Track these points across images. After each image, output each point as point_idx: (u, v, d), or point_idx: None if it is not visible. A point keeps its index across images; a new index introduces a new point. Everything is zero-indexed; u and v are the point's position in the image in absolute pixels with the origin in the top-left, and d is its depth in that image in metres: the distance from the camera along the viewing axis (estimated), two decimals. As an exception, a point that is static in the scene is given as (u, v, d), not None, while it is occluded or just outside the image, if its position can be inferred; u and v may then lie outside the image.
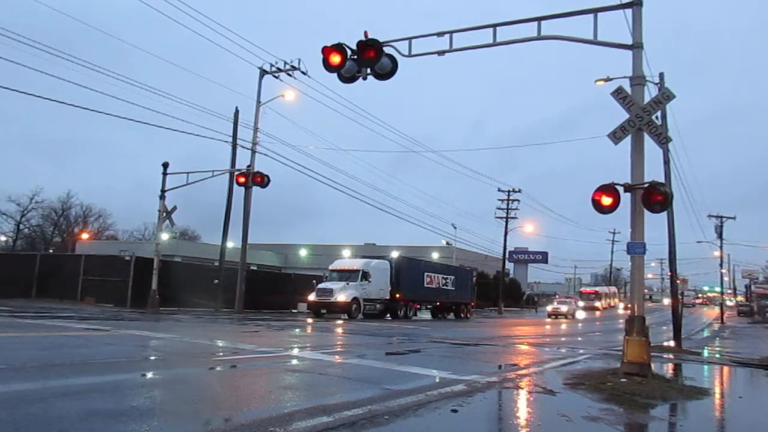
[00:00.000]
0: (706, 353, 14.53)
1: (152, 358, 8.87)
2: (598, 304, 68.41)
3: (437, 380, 7.62)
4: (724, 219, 50.58)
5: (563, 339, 20.21)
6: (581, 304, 67.81)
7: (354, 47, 10.03)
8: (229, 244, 28.83)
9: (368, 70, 10.25)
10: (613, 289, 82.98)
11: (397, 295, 29.89)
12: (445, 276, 34.94)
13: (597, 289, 77.71)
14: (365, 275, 28.37)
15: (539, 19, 9.50)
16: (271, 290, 32.03)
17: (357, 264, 29.81)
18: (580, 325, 35.91)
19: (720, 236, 51.52)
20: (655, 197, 8.52)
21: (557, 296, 62.22)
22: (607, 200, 8.88)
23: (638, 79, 9.13)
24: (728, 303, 70.71)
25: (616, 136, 8.85)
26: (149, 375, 7.22)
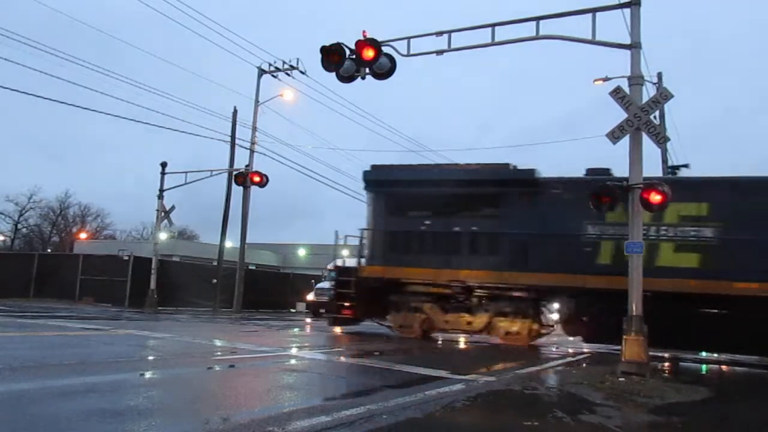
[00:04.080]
0: (704, 353, 14.54)
1: (151, 357, 8.86)
2: None
3: (436, 379, 7.62)
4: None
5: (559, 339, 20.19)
6: None
7: (352, 47, 10.04)
8: (228, 244, 28.81)
9: (366, 70, 10.25)
10: None
11: None
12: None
13: None
14: (364, 275, 28.34)
15: (538, 18, 9.52)
16: (269, 290, 31.99)
17: (355, 263, 29.73)
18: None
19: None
20: (653, 197, 8.54)
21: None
22: (605, 200, 8.91)
23: (636, 79, 9.14)
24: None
25: (614, 136, 8.86)
26: (148, 375, 7.21)
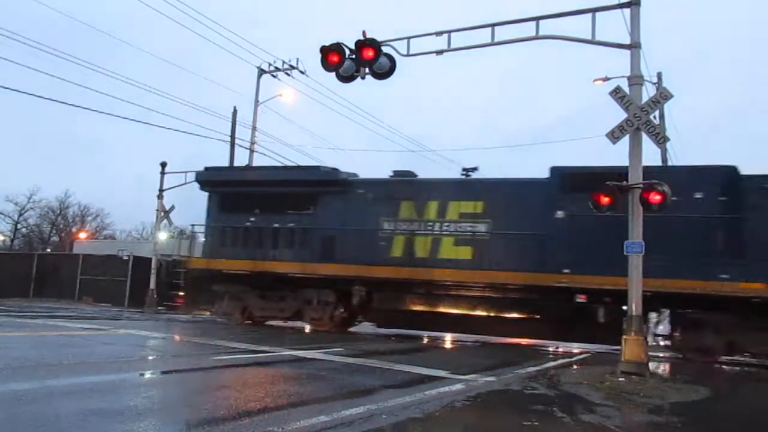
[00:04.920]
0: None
1: (150, 357, 8.86)
2: None
3: (435, 379, 7.62)
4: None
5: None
6: None
7: (352, 47, 10.04)
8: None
9: (366, 70, 10.25)
10: None
11: None
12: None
13: None
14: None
15: (537, 18, 9.51)
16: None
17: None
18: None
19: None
20: (652, 197, 8.54)
21: None
22: (605, 200, 8.91)
23: (636, 79, 9.14)
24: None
25: (614, 136, 8.87)
26: (147, 375, 7.22)
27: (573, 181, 13.28)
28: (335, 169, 16.11)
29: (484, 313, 14.07)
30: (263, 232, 15.77)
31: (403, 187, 15.21)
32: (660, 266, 11.59)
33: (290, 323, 16.67)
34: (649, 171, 12.50)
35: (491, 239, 13.67)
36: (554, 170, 13.70)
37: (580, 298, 12.84)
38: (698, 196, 12.14)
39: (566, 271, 12.81)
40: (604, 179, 12.91)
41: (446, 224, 14.14)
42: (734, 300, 11.58)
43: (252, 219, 15.96)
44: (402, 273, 14.21)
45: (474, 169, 16.35)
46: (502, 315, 13.92)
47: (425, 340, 15.13)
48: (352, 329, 16.02)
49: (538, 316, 13.73)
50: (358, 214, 14.99)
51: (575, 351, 13.55)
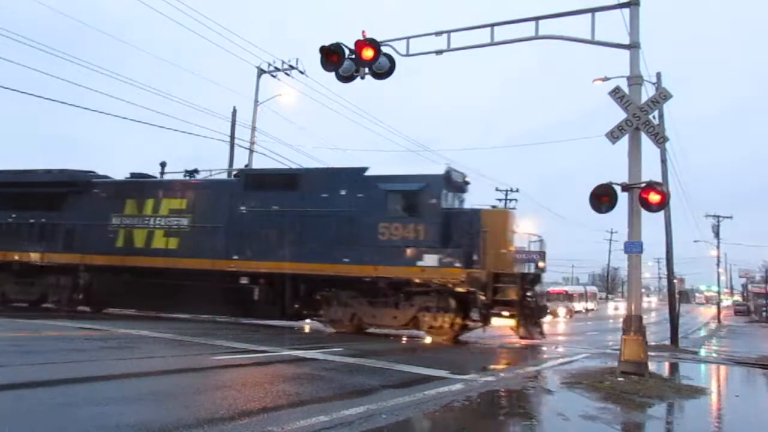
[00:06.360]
0: (703, 352, 14.62)
1: (149, 357, 8.85)
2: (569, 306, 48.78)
3: (435, 379, 7.62)
4: (720, 219, 50.87)
5: (559, 338, 20.23)
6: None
7: (352, 47, 10.05)
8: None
9: (366, 70, 10.26)
10: (593, 289, 64.74)
11: None
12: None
13: (567, 288, 57.85)
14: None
15: (537, 18, 9.53)
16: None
17: None
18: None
19: (717, 236, 51.80)
20: (652, 197, 8.54)
21: None
22: (604, 200, 8.91)
23: (635, 79, 9.15)
24: (725, 302, 70.13)
25: (613, 136, 8.87)
26: (146, 375, 7.20)
27: (252, 181, 15.89)
28: (86, 172, 18.44)
29: (185, 294, 15.85)
30: (20, 227, 17.96)
31: (130, 187, 17.69)
32: (305, 253, 14.32)
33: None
34: (309, 173, 15.80)
35: (190, 231, 16.09)
36: (241, 171, 16.27)
37: (243, 280, 15.27)
38: (342, 192, 14.50)
39: (235, 257, 15.32)
40: (275, 180, 15.95)
41: (159, 219, 16.58)
42: (353, 280, 14.10)
43: (13, 215, 18.11)
44: (116, 260, 16.61)
45: (195, 171, 18.75)
46: (198, 295, 15.74)
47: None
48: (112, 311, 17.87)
49: (218, 296, 15.79)
50: (94, 211, 17.32)
51: (575, 351, 13.56)
